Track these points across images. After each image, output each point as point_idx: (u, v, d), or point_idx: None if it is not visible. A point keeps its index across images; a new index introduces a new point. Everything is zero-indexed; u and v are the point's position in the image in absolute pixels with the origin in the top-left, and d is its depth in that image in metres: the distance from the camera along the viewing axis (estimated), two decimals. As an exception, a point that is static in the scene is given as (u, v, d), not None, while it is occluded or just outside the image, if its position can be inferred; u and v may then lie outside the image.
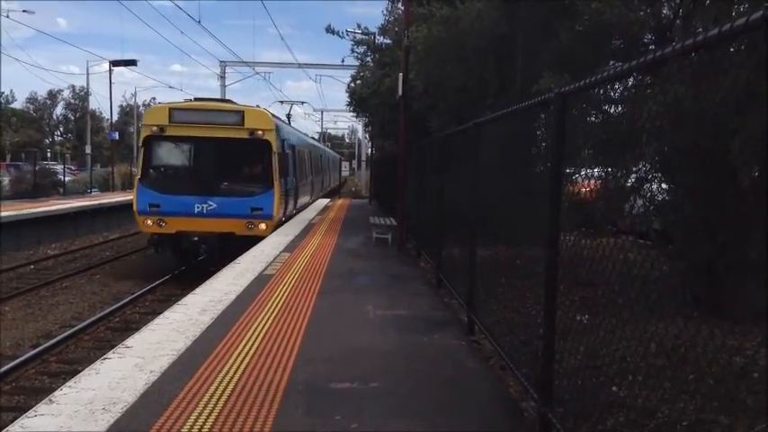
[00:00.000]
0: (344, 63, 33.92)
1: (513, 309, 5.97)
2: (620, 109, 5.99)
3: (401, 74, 15.12)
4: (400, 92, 15.16)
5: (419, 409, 5.20)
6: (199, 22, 25.93)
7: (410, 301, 9.34)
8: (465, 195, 8.14)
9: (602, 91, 5.10)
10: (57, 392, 5.32)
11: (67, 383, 5.54)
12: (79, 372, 5.90)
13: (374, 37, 25.98)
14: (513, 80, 12.69)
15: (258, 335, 7.24)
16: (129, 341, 6.85)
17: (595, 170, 5.00)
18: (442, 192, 10.45)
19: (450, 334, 7.59)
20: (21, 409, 7.28)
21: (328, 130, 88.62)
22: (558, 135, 4.56)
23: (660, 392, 5.10)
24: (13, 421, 4.79)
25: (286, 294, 9.51)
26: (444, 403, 5.36)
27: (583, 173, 4.95)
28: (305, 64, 49.62)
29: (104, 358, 6.25)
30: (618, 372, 4.42)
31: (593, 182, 4.92)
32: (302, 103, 65.94)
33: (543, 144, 5.79)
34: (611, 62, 10.82)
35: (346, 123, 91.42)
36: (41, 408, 4.99)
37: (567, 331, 4.64)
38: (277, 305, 8.77)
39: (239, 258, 13.13)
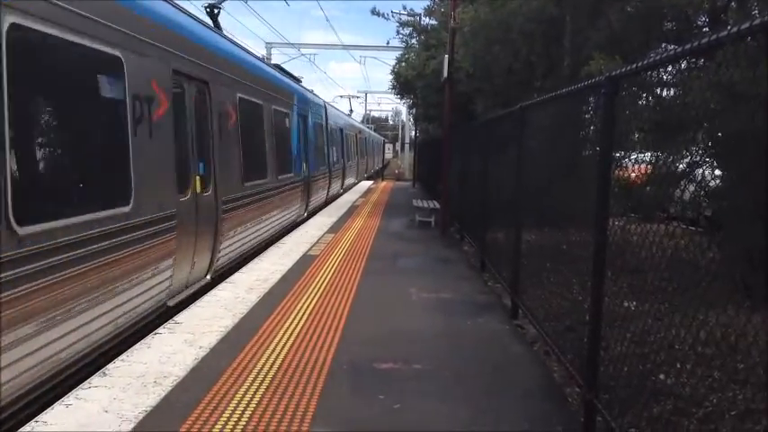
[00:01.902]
0: (390, 45, 33.87)
1: (558, 294, 5.93)
2: (671, 93, 5.86)
3: (447, 56, 15.00)
4: (446, 74, 15.05)
5: (462, 392, 5.22)
6: (246, 1, 25.94)
7: (453, 285, 9.34)
8: (510, 179, 8.08)
9: (654, 74, 5.00)
10: (110, 365, 5.49)
11: (120, 357, 5.71)
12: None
13: (420, 18, 25.84)
14: (561, 63, 12.52)
15: (303, 314, 7.34)
16: (179, 317, 7.02)
17: (646, 155, 4.92)
18: (487, 175, 10.39)
19: (493, 318, 7.58)
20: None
21: (372, 112, 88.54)
22: (608, 119, 4.50)
23: (709, 381, 5.03)
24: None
25: (330, 275, 9.60)
26: (487, 387, 5.37)
27: (633, 157, 4.88)
28: (350, 45, 49.67)
29: (155, 333, 6.42)
30: (665, 359, 4.37)
31: (643, 166, 4.84)
32: (355, 96, 66.45)
33: (592, 128, 5.71)
34: (663, 45, 10.59)
35: (390, 105, 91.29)
36: (95, 380, 5.16)
37: (613, 318, 4.60)
38: (321, 285, 8.87)
39: (284, 238, 13.29)
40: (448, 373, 5.63)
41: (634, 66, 4.12)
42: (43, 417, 4.45)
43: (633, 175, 4.78)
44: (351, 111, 38.61)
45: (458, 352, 6.27)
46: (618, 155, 4.74)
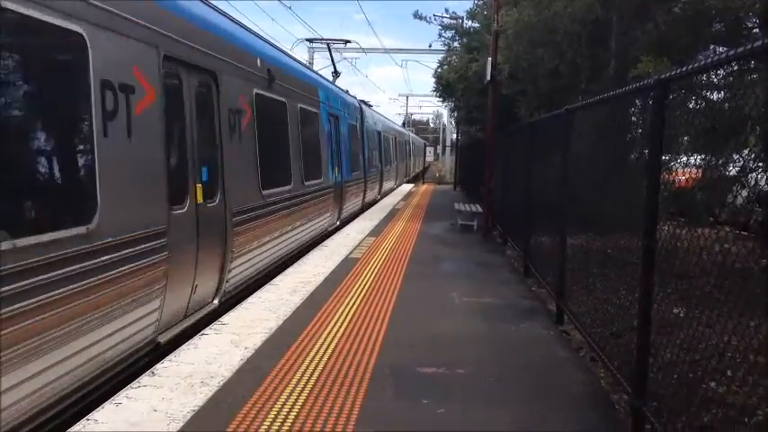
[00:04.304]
0: (432, 48, 33.86)
1: (604, 299, 5.85)
2: (722, 95, 5.75)
3: (490, 58, 14.94)
4: (488, 77, 14.98)
5: (507, 398, 5.19)
6: (290, 8, 26.29)
7: (496, 289, 9.28)
8: (555, 183, 8.01)
9: (704, 77, 4.91)
10: (158, 365, 5.59)
11: (168, 357, 5.82)
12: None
13: (462, 21, 25.79)
14: (607, 65, 12.35)
15: (345, 317, 7.38)
16: (225, 318, 7.13)
17: (696, 158, 4.83)
18: (531, 178, 10.31)
19: (538, 323, 7.51)
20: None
21: (413, 115, 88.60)
22: (658, 122, 4.43)
23: (761, 390, 4.90)
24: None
25: (371, 278, 9.63)
26: (533, 393, 5.32)
27: (683, 161, 4.79)
28: (392, 49, 49.75)
29: (202, 334, 6.52)
30: (716, 367, 4.28)
31: (693, 171, 4.75)
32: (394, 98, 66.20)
33: (640, 131, 5.62)
34: (711, 47, 10.37)
35: (431, 108, 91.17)
36: (144, 379, 5.27)
37: (662, 324, 4.52)
38: (363, 288, 8.90)
39: (326, 241, 13.38)
40: (492, 379, 5.60)
41: (684, 68, 4.05)
42: (94, 415, 4.56)
43: (683, 178, 4.70)
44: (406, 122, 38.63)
45: (502, 357, 6.23)
46: (666, 158, 4.67)
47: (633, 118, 6.03)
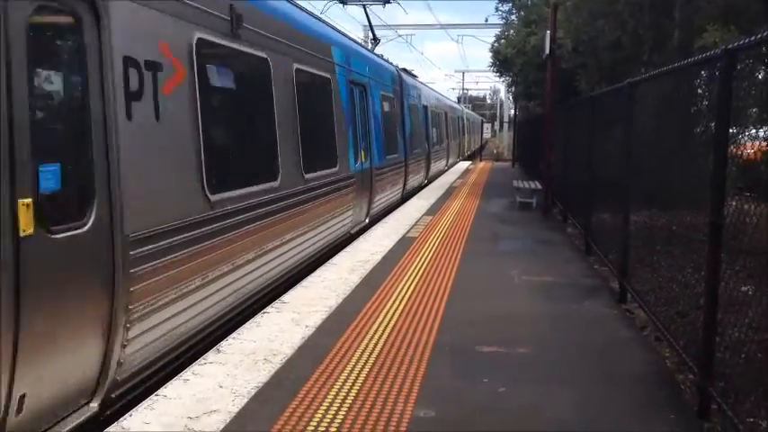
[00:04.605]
0: (488, 22, 33.37)
1: (669, 277, 5.72)
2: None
3: (548, 32, 14.62)
4: (547, 50, 14.68)
5: (570, 377, 5.14)
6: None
7: (557, 267, 9.17)
8: (618, 158, 7.83)
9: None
10: (223, 342, 5.74)
11: (232, 335, 5.96)
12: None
13: (520, -6, 25.31)
14: (671, 35, 11.97)
15: (403, 295, 7.41)
16: (286, 297, 7.25)
17: (765, 131, 4.65)
18: (592, 154, 10.10)
19: (600, 301, 7.39)
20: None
21: (469, 91, 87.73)
22: (725, 94, 4.27)
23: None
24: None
25: (429, 257, 9.63)
26: (596, 372, 5.25)
27: (751, 133, 4.62)
28: (447, 24, 49.26)
29: (264, 312, 6.66)
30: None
31: (762, 143, 4.58)
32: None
33: (706, 104, 5.44)
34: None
35: (488, 84, 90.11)
36: (210, 356, 5.42)
37: (729, 302, 4.40)
38: (421, 267, 8.92)
39: (384, 220, 13.42)
40: (554, 358, 5.55)
41: (753, 37, 3.89)
42: (163, 390, 4.72)
43: (751, 152, 4.53)
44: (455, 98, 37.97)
45: (564, 336, 6.16)
46: (734, 131, 4.51)
47: (699, 90, 5.84)
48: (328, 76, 10.42)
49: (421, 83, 24.15)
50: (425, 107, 22.93)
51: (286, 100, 8.13)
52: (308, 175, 8.71)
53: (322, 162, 9.65)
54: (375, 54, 16.66)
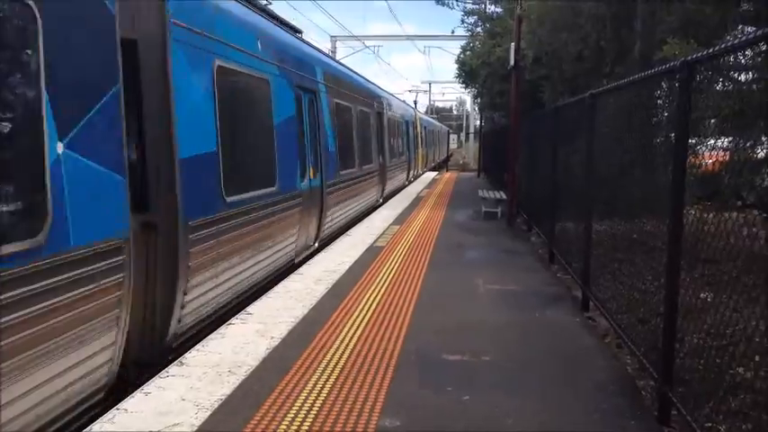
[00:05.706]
0: (454, 34, 33.70)
1: (630, 285, 5.80)
2: (750, 76, 5.64)
3: (513, 43, 14.80)
4: (512, 62, 14.85)
5: (533, 385, 5.18)
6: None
7: (521, 276, 9.24)
8: (580, 168, 7.94)
9: (732, 58, 4.81)
10: (187, 355, 5.67)
11: (196, 347, 5.89)
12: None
13: (485, 6, 25.60)
14: (632, 48, 12.18)
15: (370, 305, 7.40)
16: (251, 308, 7.19)
17: (723, 141, 4.75)
18: (556, 164, 10.22)
19: (563, 310, 7.47)
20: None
21: (435, 102, 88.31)
22: (683, 105, 4.37)
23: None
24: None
25: (396, 266, 9.64)
26: (558, 379, 5.30)
27: (710, 144, 4.72)
28: (414, 36, 49.55)
29: (229, 323, 6.59)
30: (744, 352, 4.23)
31: (720, 153, 4.68)
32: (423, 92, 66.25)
33: (665, 114, 5.55)
34: (740, 27, 10.17)
35: (454, 95, 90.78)
36: (173, 369, 5.34)
37: (689, 309, 4.48)
38: (388, 276, 8.92)
39: (351, 230, 13.40)
40: (517, 366, 5.59)
41: (711, 50, 3.99)
42: (124, 404, 4.63)
43: (710, 162, 4.63)
44: (415, 102, 38.10)
45: (527, 344, 6.21)
46: (693, 141, 4.60)
47: (659, 101, 5.96)
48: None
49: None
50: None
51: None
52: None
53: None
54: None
